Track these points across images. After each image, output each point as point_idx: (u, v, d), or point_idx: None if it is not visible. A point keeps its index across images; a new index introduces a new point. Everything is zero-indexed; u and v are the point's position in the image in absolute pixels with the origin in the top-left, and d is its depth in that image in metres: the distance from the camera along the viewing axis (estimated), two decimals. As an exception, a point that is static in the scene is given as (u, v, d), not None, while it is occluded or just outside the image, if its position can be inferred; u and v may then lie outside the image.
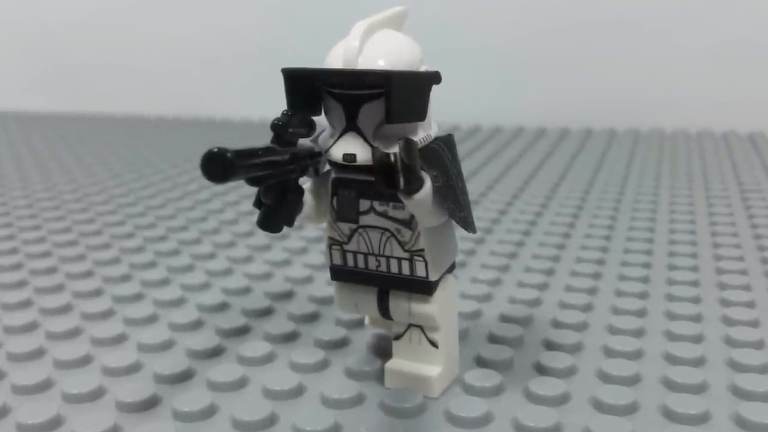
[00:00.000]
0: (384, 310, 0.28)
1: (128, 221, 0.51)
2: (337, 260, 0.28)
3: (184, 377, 0.30)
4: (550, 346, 0.32)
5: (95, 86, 1.01)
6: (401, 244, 0.27)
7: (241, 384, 0.29)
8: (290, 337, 0.33)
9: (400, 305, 0.28)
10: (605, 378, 0.29)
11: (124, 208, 0.54)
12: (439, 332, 0.28)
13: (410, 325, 0.28)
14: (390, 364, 0.29)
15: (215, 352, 0.32)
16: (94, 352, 0.32)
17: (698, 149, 0.70)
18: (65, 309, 0.37)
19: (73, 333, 0.34)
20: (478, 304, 0.36)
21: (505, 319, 0.35)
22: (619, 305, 0.35)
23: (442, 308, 0.28)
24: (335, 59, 0.25)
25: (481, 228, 0.46)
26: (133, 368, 0.31)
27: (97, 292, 0.39)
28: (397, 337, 0.29)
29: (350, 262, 0.28)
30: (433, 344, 0.28)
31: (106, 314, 0.36)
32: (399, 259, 0.27)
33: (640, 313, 0.35)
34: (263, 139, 0.25)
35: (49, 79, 1.03)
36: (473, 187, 0.55)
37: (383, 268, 0.27)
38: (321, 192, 0.28)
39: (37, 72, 1.03)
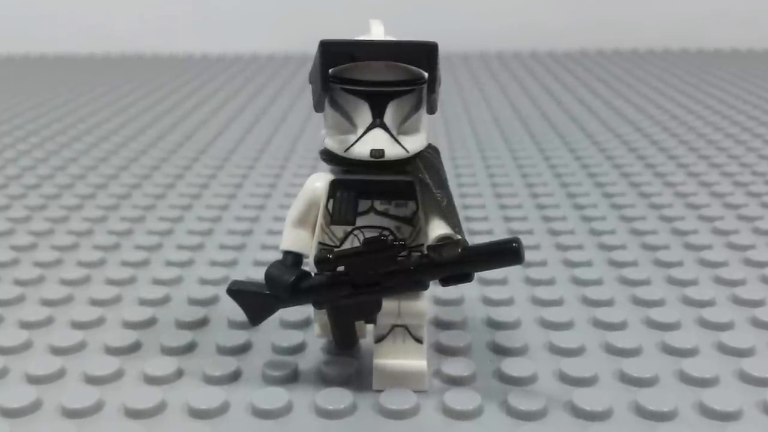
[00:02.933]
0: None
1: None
2: None
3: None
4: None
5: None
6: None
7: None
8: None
9: (389, 306, 0.30)
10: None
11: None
12: (423, 328, 0.31)
13: (393, 326, 0.31)
14: (377, 366, 0.31)
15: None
16: None
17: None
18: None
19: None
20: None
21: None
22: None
23: (428, 303, 0.31)
24: None
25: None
26: None
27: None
28: (379, 340, 0.31)
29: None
30: (419, 341, 0.31)
31: None
32: None
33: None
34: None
35: None
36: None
37: None
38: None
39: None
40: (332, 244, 0.30)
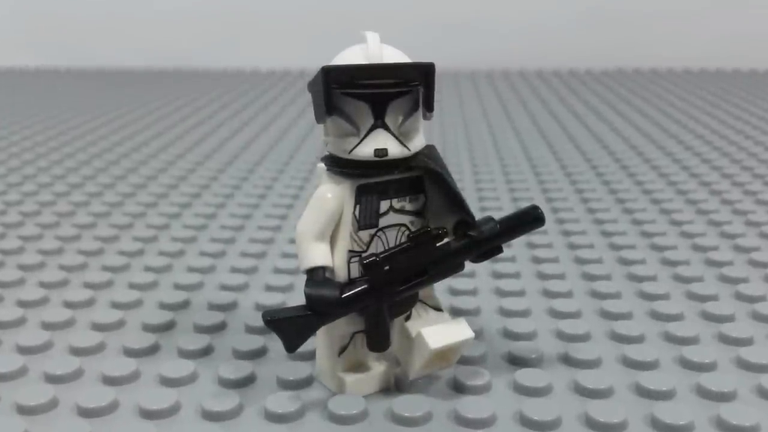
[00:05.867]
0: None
1: None
2: (356, 273, 0.29)
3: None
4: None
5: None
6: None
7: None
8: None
9: None
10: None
11: None
12: (435, 298, 0.31)
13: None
14: (426, 332, 0.30)
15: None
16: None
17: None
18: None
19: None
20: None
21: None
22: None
23: None
24: (354, 59, 0.28)
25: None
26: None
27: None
28: (408, 318, 0.31)
29: None
30: (439, 309, 0.31)
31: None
32: None
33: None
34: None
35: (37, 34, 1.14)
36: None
37: None
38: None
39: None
40: (360, 249, 0.29)
